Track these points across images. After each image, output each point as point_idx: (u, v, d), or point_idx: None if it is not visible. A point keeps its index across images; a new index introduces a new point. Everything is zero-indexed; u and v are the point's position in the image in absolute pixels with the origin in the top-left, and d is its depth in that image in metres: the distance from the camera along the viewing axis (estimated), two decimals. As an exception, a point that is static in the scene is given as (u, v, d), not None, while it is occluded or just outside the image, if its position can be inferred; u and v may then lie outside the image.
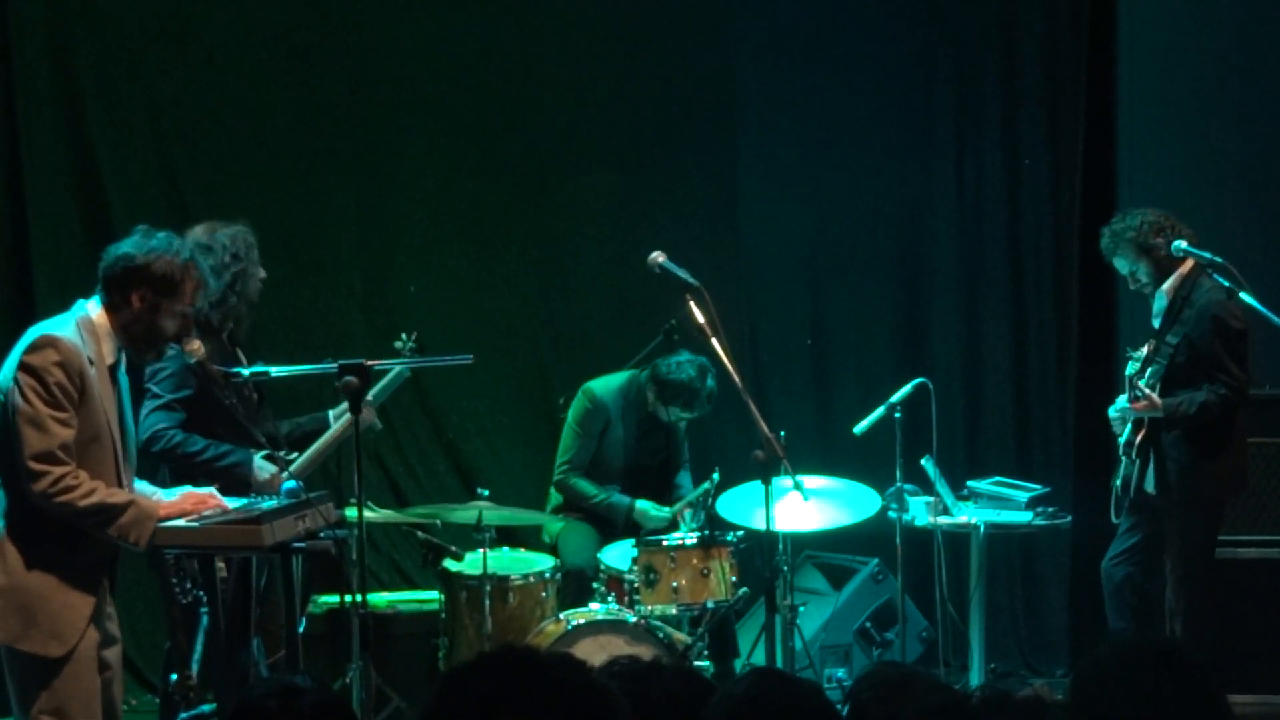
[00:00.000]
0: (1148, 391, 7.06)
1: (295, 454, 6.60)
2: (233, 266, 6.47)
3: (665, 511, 7.74)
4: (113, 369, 5.21)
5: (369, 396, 6.73)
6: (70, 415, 5.01)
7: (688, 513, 7.68)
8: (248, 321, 6.67)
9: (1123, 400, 7.20)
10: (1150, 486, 7.22)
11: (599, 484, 7.79)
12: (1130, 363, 7.12)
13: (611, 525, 7.76)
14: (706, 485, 7.54)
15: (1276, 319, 7.01)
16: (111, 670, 5.26)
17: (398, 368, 6.95)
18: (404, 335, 7.11)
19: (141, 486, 5.39)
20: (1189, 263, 7.21)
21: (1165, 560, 7.27)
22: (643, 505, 7.73)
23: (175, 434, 6.26)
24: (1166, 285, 7.25)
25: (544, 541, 7.81)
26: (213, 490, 5.43)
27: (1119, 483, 7.32)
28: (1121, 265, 7.35)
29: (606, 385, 7.86)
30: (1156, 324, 7.31)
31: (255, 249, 6.59)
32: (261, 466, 6.32)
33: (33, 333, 5.10)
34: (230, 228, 6.56)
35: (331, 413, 6.85)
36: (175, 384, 6.29)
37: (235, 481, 6.06)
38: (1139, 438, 7.21)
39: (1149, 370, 7.16)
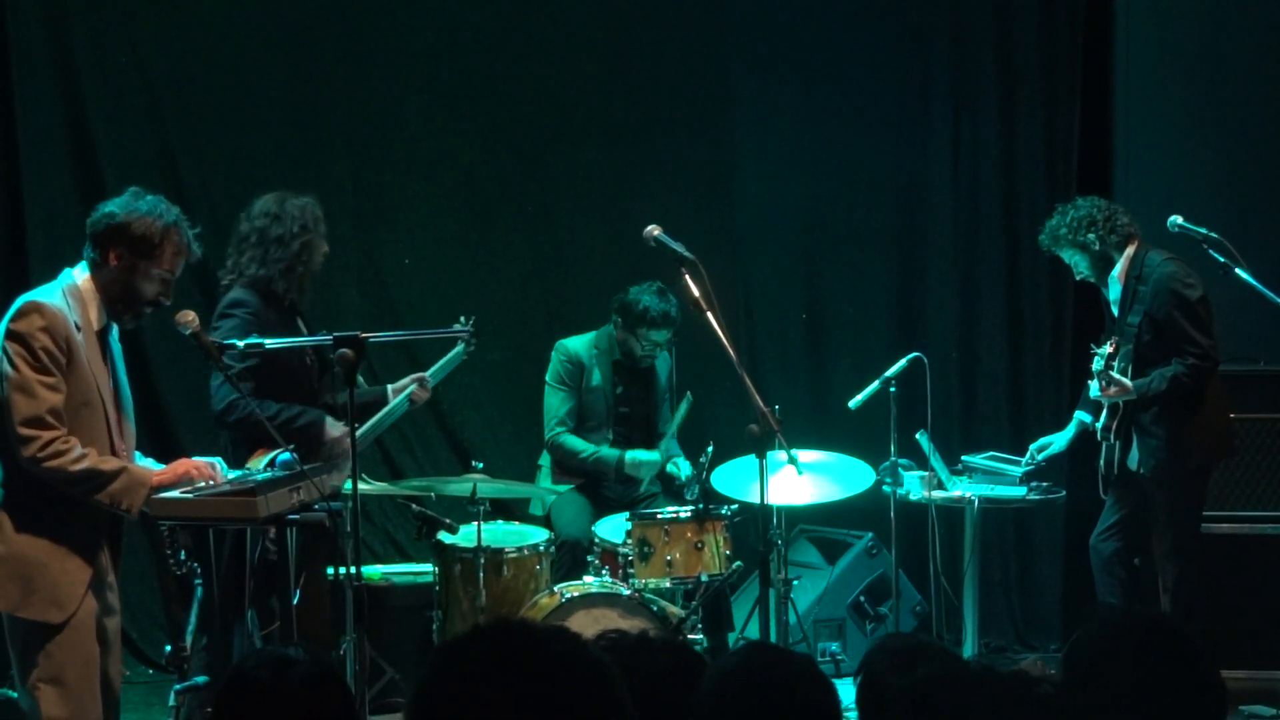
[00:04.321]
0: (1117, 377, 7.04)
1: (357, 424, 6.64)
2: (301, 237, 6.56)
3: (654, 455, 7.77)
4: (103, 334, 5.21)
5: (427, 374, 6.82)
6: (58, 380, 5.01)
7: (683, 470, 7.69)
8: (310, 292, 6.74)
9: (1094, 390, 7.18)
10: (1133, 464, 7.23)
11: (589, 441, 7.83)
12: (1096, 358, 7.09)
13: (605, 484, 7.80)
14: (683, 407, 7.63)
15: (1273, 295, 6.99)
16: (110, 641, 5.26)
17: (456, 350, 7.11)
18: (463, 318, 7.15)
19: (141, 461, 5.39)
20: (1134, 244, 7.23)
21: (1152, 534, 7.28)
22: (632, 454, 7.78)
23: (249, 401, 6.20)
24: (1116, 271, 7.26)
25: (533, 514, 7.82)
26: (211, 461, 5.43)
27: (1101, 463, 7.35)
28: (1065, 257, 7.41)
29: (577, 339, 7.98)
30: (1115, 311, 7.31)
31: (323, 222, 6.69)
32: (334, 424, 6.42)
33: (18, 302, 5.11)
34: (300, 199, 6.66)
35: (390, 387, 6.87)
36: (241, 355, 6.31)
37: (309, 441, 6.16)
38: (1115, 422, 7.23)
39: (1119, 353, 7.14)
